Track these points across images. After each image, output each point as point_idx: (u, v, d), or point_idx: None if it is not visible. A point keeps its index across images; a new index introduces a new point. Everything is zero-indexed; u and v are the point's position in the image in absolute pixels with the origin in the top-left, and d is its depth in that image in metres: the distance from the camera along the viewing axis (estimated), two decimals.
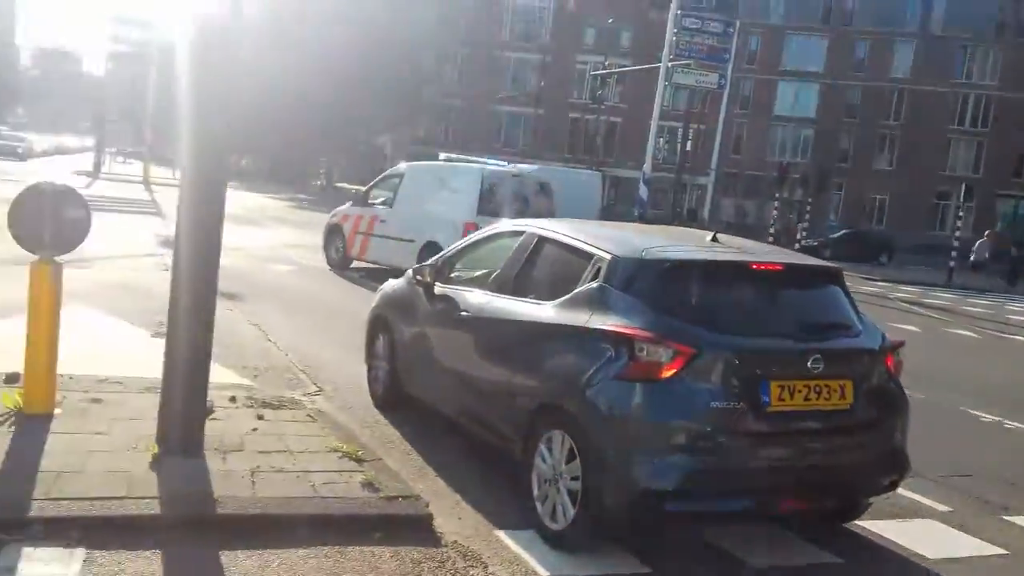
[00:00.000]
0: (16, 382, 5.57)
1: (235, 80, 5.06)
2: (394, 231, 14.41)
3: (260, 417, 5.65)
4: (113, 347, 7.47)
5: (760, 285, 4.76)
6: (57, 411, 5.25)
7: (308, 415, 5.94)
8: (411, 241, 13.72)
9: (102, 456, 4.62)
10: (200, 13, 4.77)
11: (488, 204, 13.36)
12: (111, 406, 5.54)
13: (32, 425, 4.97)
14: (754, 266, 4.79)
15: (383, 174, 16.72)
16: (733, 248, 5.04)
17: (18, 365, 5.44)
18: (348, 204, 16.38)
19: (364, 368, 7.25)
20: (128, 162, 55.51)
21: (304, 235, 22.67)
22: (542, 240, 5.46)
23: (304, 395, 6.68)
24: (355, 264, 15.63)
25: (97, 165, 41.15)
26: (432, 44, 59.96)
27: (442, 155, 16.53)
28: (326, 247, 16.20)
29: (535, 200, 13.99)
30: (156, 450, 4.72)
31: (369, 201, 15.71)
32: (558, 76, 60.99)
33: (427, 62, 59.98)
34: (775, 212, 36.03)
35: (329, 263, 15.88)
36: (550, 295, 5.02)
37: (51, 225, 5.13)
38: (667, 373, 4.19)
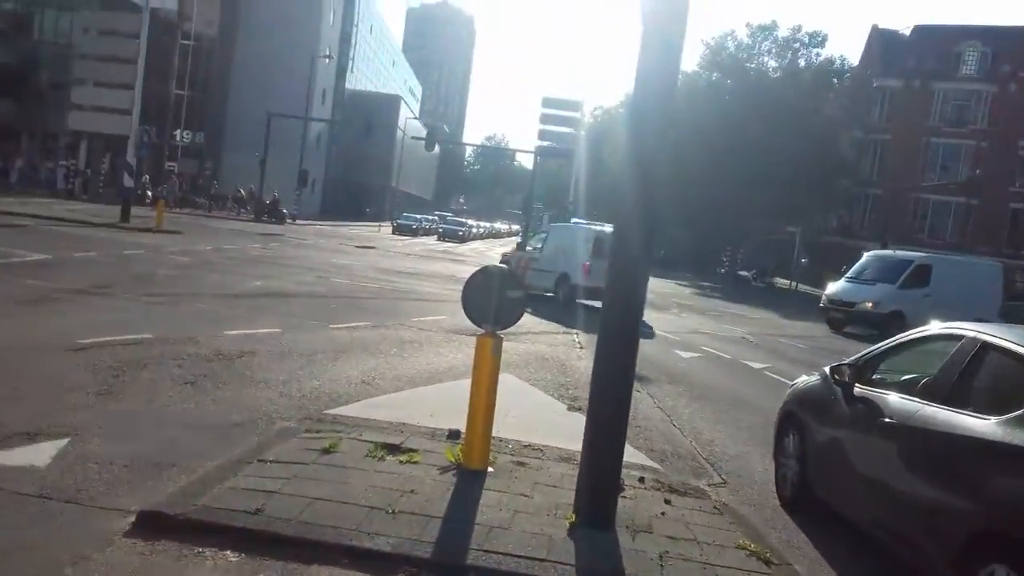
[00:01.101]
0: (457, 439, 6.33)
1: (660, 174, 5.34)
2: (542, 266, 22.14)
3: (667, 501, 5.73)
4: (535, 416, 8.11)
5: None
6: (490, 469, 5.83)
7: (714, 507, 5.89)
8: (551, 272, 21.72)
9: (525, 517, 5.01)
10: (640, 103, 5.12)
11: (598, 251, 20.10)
12: (533, 471, 6.00)
13: (469, 479, 5.57)
14: None
15: (537, 232, 28.08)
16: None
17: (457, 423, 6.19)
18: (514, 249, 25.31)
19: (769, 463, 7.06)
20: None
21: (707, 321, 22.86)
22: (986, 347, 4.94)
23: (708, 485, 6.65)
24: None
25: (523, 248, 45.60)
26: (849, 133, 57.88)
27: (573, 220, 24.82)
28: None
29: None
30: (572, 519, 5.01)
31: (527, 248, 25.76)
32: (996, 163, 55.09)
33: (843, 151, 57.86)
34: None
35: None
36: (996, 409, 4.49)
37: (496, 303, 5.80)
38: None
